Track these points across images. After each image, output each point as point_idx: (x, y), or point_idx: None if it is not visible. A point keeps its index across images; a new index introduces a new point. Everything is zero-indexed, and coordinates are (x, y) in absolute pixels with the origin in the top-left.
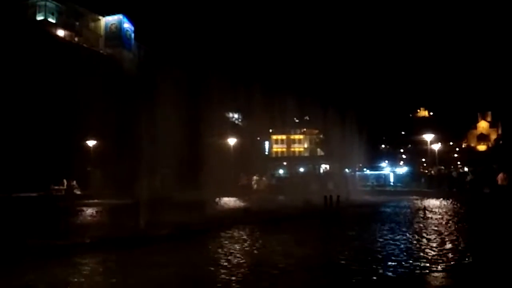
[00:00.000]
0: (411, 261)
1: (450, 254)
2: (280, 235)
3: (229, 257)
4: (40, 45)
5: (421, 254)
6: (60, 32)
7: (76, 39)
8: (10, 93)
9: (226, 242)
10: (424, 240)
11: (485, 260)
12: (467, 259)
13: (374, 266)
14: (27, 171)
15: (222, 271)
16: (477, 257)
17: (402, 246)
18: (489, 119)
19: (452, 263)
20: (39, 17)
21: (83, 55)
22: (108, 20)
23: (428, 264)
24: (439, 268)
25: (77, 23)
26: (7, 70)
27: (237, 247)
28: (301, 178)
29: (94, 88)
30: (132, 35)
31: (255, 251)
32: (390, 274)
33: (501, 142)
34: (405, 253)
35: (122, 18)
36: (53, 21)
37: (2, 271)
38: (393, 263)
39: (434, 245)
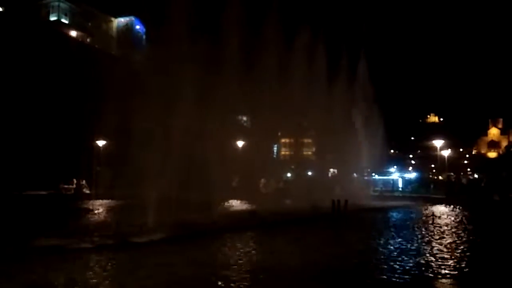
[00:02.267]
0: (418, 273)
1: (454, 264)
2: (287, 241)
3: (232, 260)
4: (53, 45)
5: (428, 264)
6: (73, 33)
7: (88, 39)
8: (23, 92)
9: (232, 244)
10: (435, 248)
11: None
12: (474, 271)
13: (383, 276)
14: (38, 170)
15: (225, 274)
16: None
17: (410, 256)
18: (500, 126)
19: (455, 272)
20: (53, 18)
21: (94, 55)
22: (120, 22)
23: (432, 274)
24: (444, 277)
25: (89, 24)
26: (20, 70)
27: (242, 252)
28: (309, 182)
29: (105, 88)
30: (143, 36)
31: (260, 256)
32: (398, 281)
33: None
34: (413, 264)
35: (133, 19)
36: (66, 21)
37: (12, 268)
38: (400, 274)
39: (443, 257)
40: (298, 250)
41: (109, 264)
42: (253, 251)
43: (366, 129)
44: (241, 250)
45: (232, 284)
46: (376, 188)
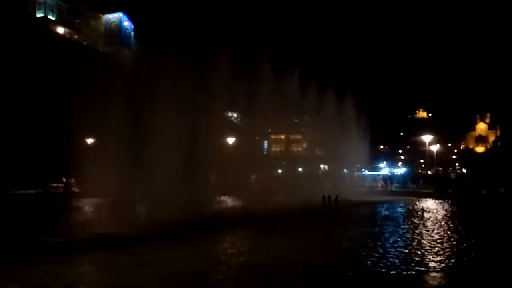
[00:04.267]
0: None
1: (443, 257)
2: (278, 237)
3: (223, 257)
4: (40, 42)
5: (417, 257)
6: (60, 30)
7: (76, 36)
8: (9, 90)
9: (223, 241)
10: (423, 242)
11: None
12: (461, 263)
13: (373, 269)
14: (25, 168)
15: (216, 270)
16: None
17: (399, 250)
18: (487, 120)
19: (444, 265)
20: (39, 14)
21: (82, 52)
22: (108, 18)
23: (421, 268)
24: (432, 271)
25: (77, 21)
26: (6, 67)
27: (232, 248)
28: (300, 178)
29: (93, 86)
30: (132, 33)
31: (250, 253)
32: (388, 275)
33: (499, 144)
34: (402, 258)
35: (122, 16)
36: (53, 18)
37: (3, 267)
38: (390, 268)
39: (432, 250)
40: (288, 247)
41: (99, 261)
42: (244, 248)
43: (356, 125)
44: (232, 247)
45: (222, 281)
46: (366, 184)
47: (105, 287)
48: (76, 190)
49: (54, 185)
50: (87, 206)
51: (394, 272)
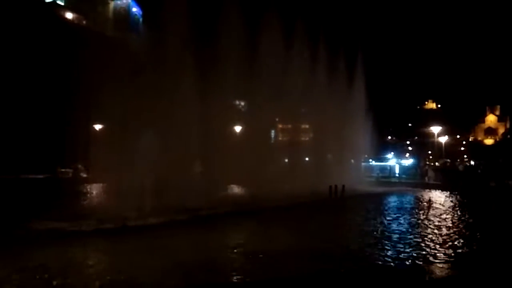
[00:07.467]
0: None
1: (450, 248)
2: (285, 225)
3: (230, 244)
4: (48, 27)
5: (423, 248)
6: (69, 15)
7: (84, 22)
8: (18, 75)
9: (230, 229)
10: (430, 233)
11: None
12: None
13: (379, 260)
14: (34, 153)
15: (224, 258)
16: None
17: (405, 241)
18: (497, 113)
19: (451, 257)
20: None
21: (90, 38)
22: (116, 4)
23: (428, 258)
24: (440, 261)
25: (85, 6)
26: (15, 52)
27: (240, 236)
28: (307, 168)
29: (102, 71)
30: (140, 19)
31: (258, 241)
32: (396, 265)
33: (509, 136)
34: (408, 249)
35: (130, 1)
36: (62, 3)
37: (9, 252)
38: (396, 259)
39: (439, 241)
40: (293, 236)
41: (107, 247)
42: (252, 236)
43: (364, 115)
44: (240, 235)
45: (230, 268)
46: (373, 174)
47: (100, 274)
48: (84, 175)
49: (63, 170)
50: (95, 191)
51: (400, 262)
